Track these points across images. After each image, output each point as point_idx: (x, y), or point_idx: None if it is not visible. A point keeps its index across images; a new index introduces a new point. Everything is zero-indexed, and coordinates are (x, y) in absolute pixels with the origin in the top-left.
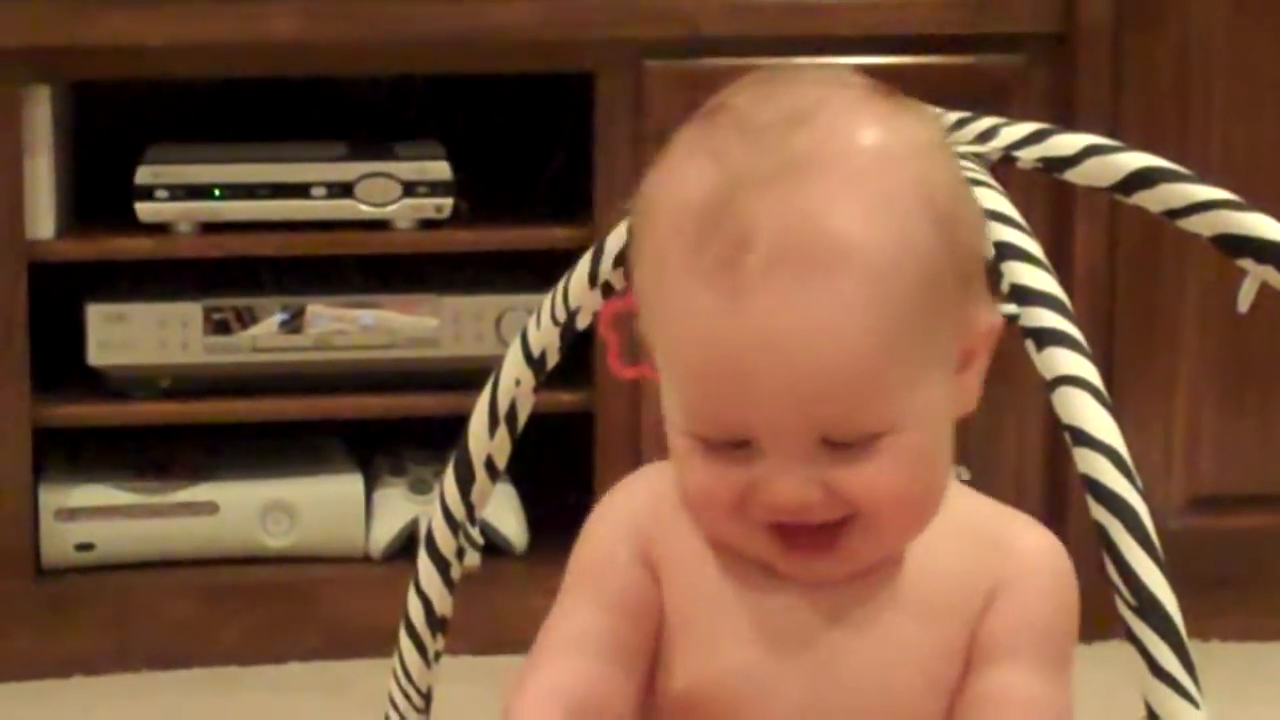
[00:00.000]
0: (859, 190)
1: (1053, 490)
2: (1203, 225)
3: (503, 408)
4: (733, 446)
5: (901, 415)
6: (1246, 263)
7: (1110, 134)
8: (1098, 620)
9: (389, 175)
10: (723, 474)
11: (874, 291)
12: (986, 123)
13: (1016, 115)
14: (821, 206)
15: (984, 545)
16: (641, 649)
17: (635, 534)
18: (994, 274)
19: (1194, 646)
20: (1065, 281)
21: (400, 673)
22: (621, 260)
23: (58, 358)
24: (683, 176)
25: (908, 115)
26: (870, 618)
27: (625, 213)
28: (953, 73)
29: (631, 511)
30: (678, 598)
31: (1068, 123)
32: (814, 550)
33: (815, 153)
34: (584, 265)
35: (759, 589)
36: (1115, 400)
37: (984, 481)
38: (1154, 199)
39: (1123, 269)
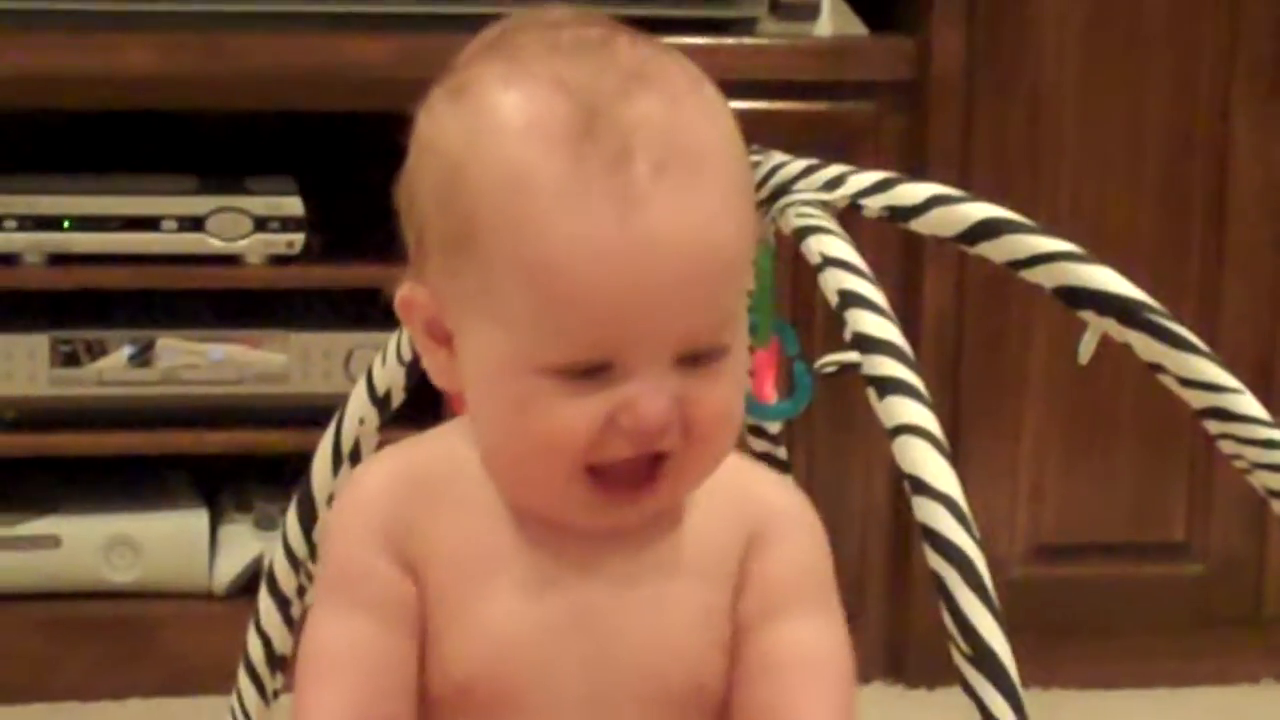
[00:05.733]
0: (698, 98)
1: (898, 538)
2: (1045, 276)
3: (347, 446)
4: (588, 374)
5: (737, 331)
6: (1087, 315)
7: (960, 183)
8: (935, 667)
9: (240, 210)
10: (580, 405)
11: (737, 192)
12: (834, 170)
13: (869, 162)
14: (680, 114)
15: (736, 500)
16: (409, 651)
17: (384, 526)
18: (838, 322)
19: (1036, 695)
20: (913, 329)
21: (239, 711)
22: None
23: None
24: (521, 103)
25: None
26: (641, 579)
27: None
28: (808, 119)
29: (375, 502)
30: (441, 584)
31: (919, 171)
32: (630, 492)
33: (645, 66)
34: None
35: (525, 563)
36: (960, 449)
37: (829, 526)
38: (997, 250)
39: (970, 317)
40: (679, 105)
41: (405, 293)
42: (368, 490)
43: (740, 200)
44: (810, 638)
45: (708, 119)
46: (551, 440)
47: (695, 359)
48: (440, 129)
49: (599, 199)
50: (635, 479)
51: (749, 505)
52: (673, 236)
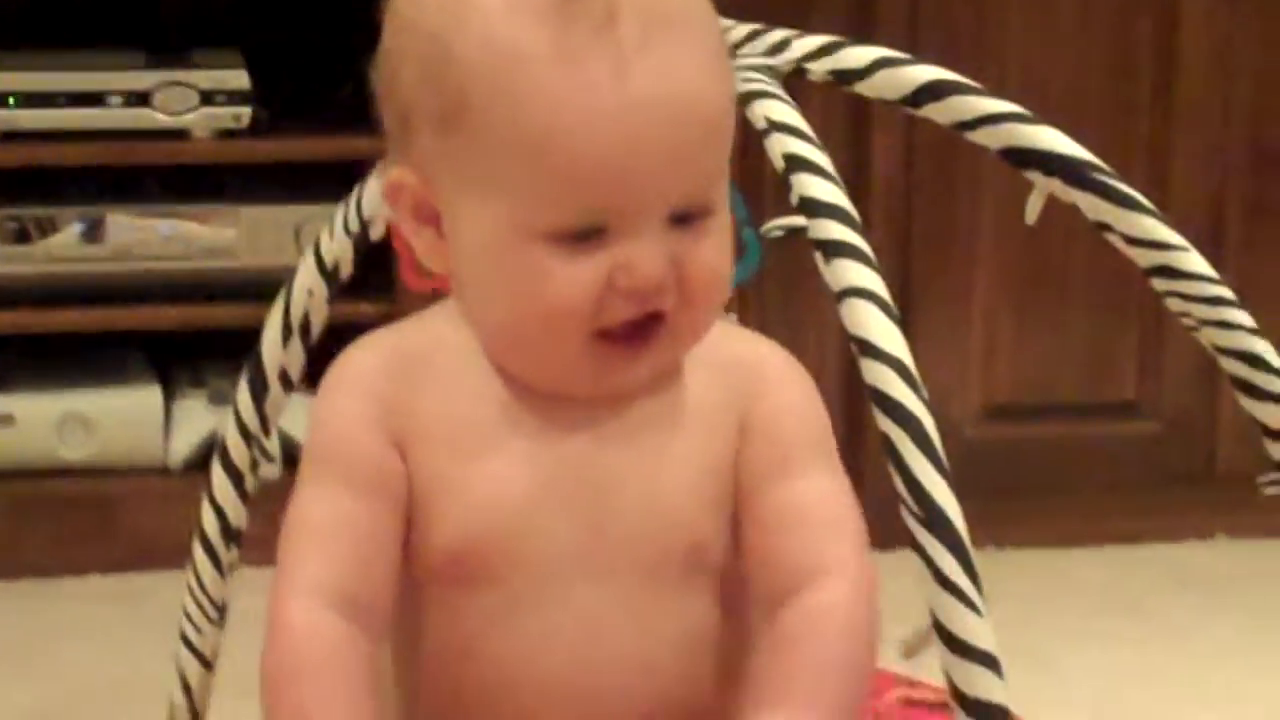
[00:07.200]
0: None
1: (851, 401)
2: (990, 138)
3: (296, 319)
4: (582, 238)
5: (722, 193)
6: (1033, 175)
7: (908, 47)
8: (889, 530)
9: (187, 84)
10: (579, 269)
11: (718, 55)
12: (778, 35)
13: (816, 27)
14: None
15: (730, 365)
16: (393, 526)
17: (373, 401)
18: (784, 186)
19: (989, 554)
20: (862, 193)
21: (195, 585)
22: None
23: None
24: None
25: None
26: (634, 440)
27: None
28: None
29: (367, 377)
30: (429, 456)
31: (867, 35)
32: (629, 352)
33: None
34: (376, 176)
35: (516, 432)
36: (911, 312)
37: None
38: (943, 111)
39: (919, 181)
40: None
41: (393, 176)
42: (356, 368)
43: (721, 63)
44: (824, 492)
45: None
46: (554, 306)
47: (686, 219)
48: (420, 8)
49: (589, 63)
50: (633, 341)
51: (739, 362)
52: (662, 97)
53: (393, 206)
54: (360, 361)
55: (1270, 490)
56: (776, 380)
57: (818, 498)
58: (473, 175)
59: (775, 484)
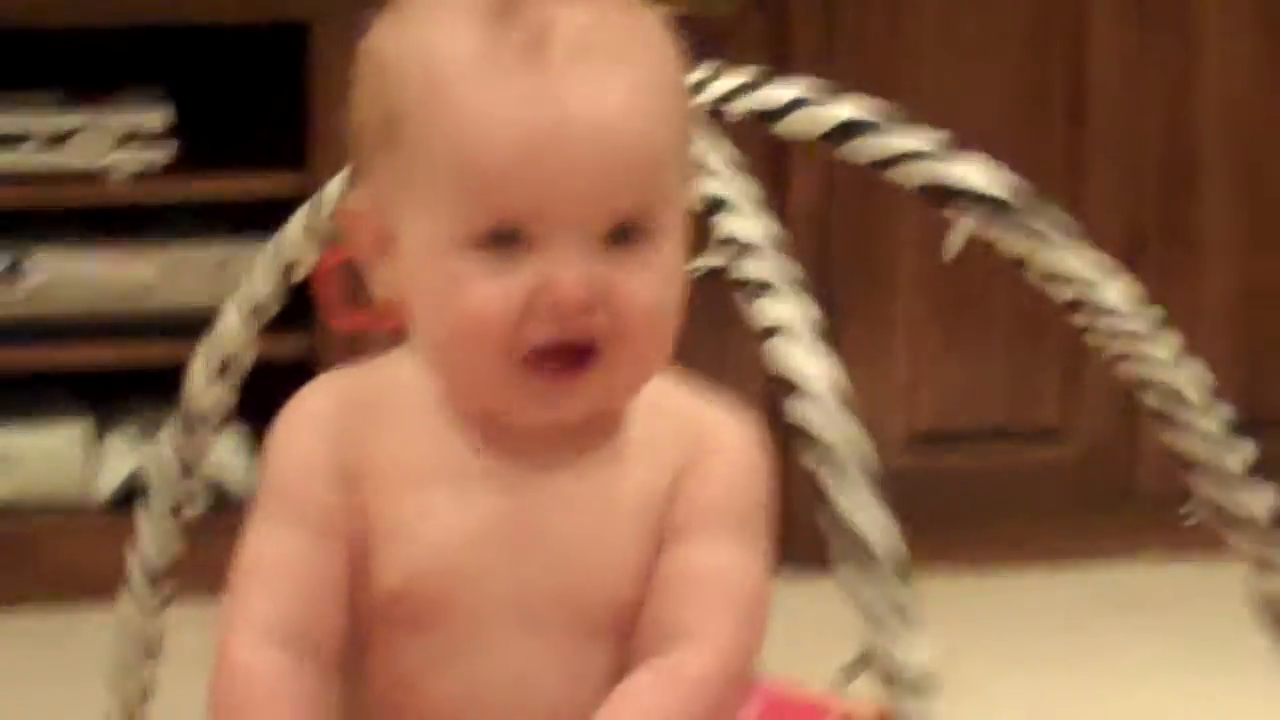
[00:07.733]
0: (624, 9)
1: (775, 438)
2: (908, 175)
3: (222, 359)
4: (504, 245)
5: (668, 217)
6: (951, 212)
7: (824, 73)
8: (823, 555)
9: (105, 125)
10: (500, 283)
11: (660, 87)
12: (696, 74)
13: (732, 63)
14: (601, 15)
15: (680, 422)
16: (342, 565)
17: (323, 443)
18: (705, 226)
19: (920, 582)
20: (781, 223)
21: (124, 623)
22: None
23: None
24: (453, 7)
25: None
26: (580, 494)
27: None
28: (668, 21)
29: (319, 418)
30: (376, 497)
31: (782, 70)
32: (563, 380)
33: None
34: (300, 218)
35: (465, 475)
36: (834, 343)
37: None
38: (860, 150)
39: (839, 211)
40: (601, 10)
41: (348, 204)
42: (309, 408)
43: (661, 95)
44: (724, 566)
45: (629, 22)
46: (475, 320)
47: (622, 239)
48: (375, 37)
49: (511, 74)
50: (566, 369)
51: (691, 427)
52: (584, 113)
53: (349, 237)
54: (312, 403)
55: (1193, 520)
56: (719, 447)
57: (713, 569)
58: (405, 188)
59: (678, 546)
